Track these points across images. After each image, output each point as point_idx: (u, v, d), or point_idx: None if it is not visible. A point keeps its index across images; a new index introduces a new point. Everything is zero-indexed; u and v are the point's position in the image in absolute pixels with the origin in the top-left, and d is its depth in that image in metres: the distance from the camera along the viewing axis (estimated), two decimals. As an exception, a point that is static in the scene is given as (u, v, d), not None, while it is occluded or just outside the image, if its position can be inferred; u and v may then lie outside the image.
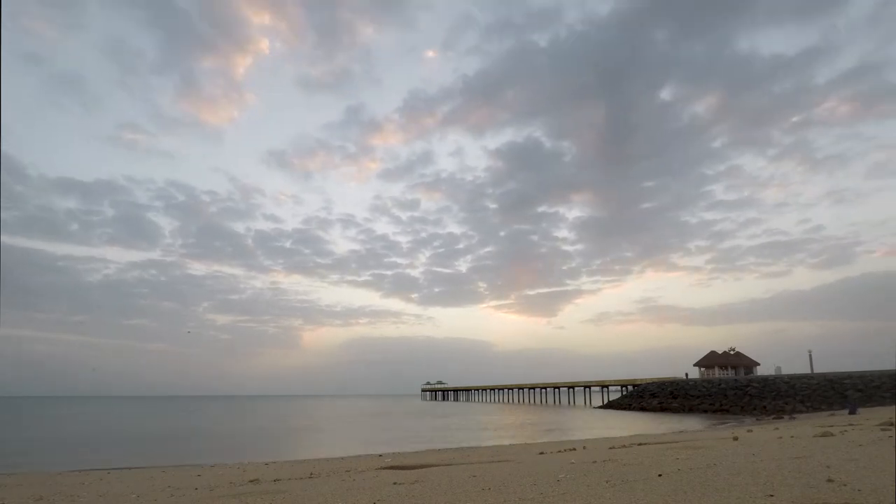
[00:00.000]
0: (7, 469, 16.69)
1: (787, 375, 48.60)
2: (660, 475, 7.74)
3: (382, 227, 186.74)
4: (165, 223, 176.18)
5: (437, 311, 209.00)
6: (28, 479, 13.33)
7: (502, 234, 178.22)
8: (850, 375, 42.60)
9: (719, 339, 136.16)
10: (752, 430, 19.46)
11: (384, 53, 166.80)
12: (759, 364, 60.96)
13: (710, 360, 63.20)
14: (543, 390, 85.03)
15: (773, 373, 54.15)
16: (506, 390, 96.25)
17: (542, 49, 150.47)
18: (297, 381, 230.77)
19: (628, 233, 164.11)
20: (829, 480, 6.49)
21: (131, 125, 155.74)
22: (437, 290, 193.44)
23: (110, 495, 10.00)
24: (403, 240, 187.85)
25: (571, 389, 76.94)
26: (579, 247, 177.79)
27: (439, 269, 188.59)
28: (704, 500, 5.83)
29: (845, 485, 6.20)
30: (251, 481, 10.90)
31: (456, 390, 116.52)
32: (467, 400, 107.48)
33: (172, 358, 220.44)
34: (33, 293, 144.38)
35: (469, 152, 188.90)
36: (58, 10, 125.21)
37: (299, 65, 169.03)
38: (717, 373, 61.10)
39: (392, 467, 12.48)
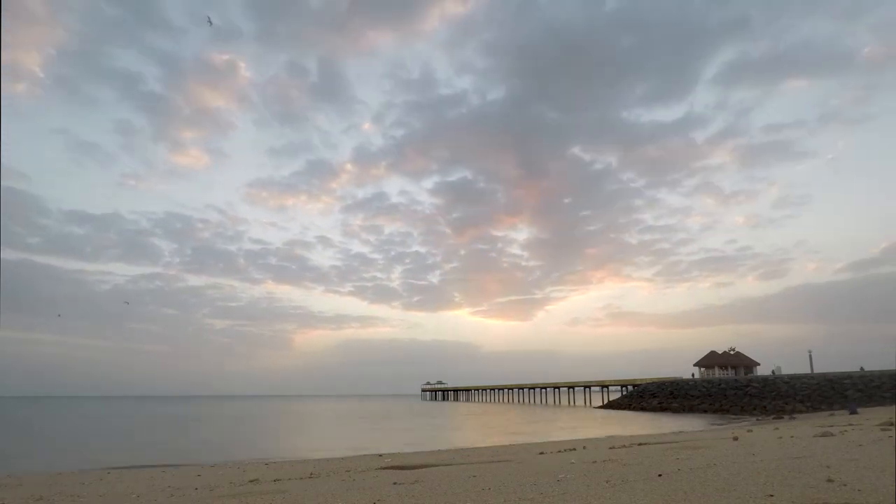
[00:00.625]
0: (7, 469, 16.69)
1: (787, 375, 48.60)
2: (660, 475, 7.74)
3: (357, 246, 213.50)
4: (165, 245, 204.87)
5: (421, 317, 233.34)
6: (28, 479, 13.33)
7: (463, 252, 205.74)
8: (849, 375, 42.61)
9: (690, 340, 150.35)
10: (752, 430, 19.46)
11: (333, 127, 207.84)
12: (759, 364, 60.98)
13: (710, 360, 63.19)
14: (543, 390, 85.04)
15: (773, 373, 54.16)
16: (506, 390, 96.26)
17: (452, 120, 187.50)
18: (299, 382, 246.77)
19: (578, 249, 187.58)
20: (829, 480, 6.49)
21: (134, 175, 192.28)
22: (415, 298, 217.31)
23: (110, 495, 10.00)
24: (378, 257, 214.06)
25: (571, 389, 76.95)
26: (537, 262, 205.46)
27: (414, 282, 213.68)
28: (704, 500, 5.83)
29: (845, 485, 6.20)
30: (251, 481, 10.90)
31: (456, 390, 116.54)
32: (467, 400, 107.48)
33: (174, 360, 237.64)
34: (53, 301, 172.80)
35: (414, 191, 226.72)
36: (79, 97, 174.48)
37: (266, 139, 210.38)
38: (717, 373, 61.10)
39: (392, 467, 12.48)
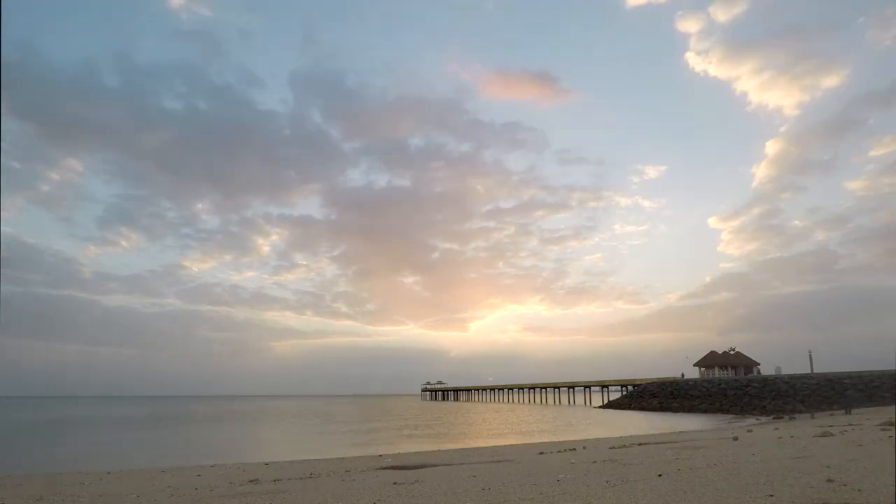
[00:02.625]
0: (7, 469, 16.68)
1: (787, 375, 48.59)
2: (660, 475, 7.74)
3: (302, 286, 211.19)
4: (170, 292, 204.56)
5: (386, 329, 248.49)
6: (28, 479, 13.32)
7: (382, 289, 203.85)
8: (849, 375, 42.62)
9: (620, 348, 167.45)
10: (752, 430, 19.47)
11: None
12: (759, 364, 60.94)
13: (710, 360, 63.16)
14: (543, 390, 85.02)
15: (773, 373, 54.14)
16: (505, 390, 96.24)
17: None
18: (302, 382, 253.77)
19: (467, 287, 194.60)
20: (829, 480, 6.48)
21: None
22: (372, 312, 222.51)
23: (110, 495, 10.00)
24: (324, 293, 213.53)
25: (571, 389, 76.96)
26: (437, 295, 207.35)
27: (360, 307, 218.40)
28: (704, 500, 5.83)
29: (845, 485, 6.20)
30: (251, 481, 10.90)
31: (456, 390, 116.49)
32: (467, 400, 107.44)
33: (178, 362, 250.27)
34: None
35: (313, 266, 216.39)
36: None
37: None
38: (717, 373, 61.08)
39: (392, 467, 12.48)
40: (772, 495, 5.85)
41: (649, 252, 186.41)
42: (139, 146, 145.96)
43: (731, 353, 63.46)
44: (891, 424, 15.00)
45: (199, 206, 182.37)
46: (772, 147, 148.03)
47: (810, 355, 53.68)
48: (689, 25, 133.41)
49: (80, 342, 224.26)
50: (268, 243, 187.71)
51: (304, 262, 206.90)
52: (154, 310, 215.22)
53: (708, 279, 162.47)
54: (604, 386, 68.41)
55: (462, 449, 19.19)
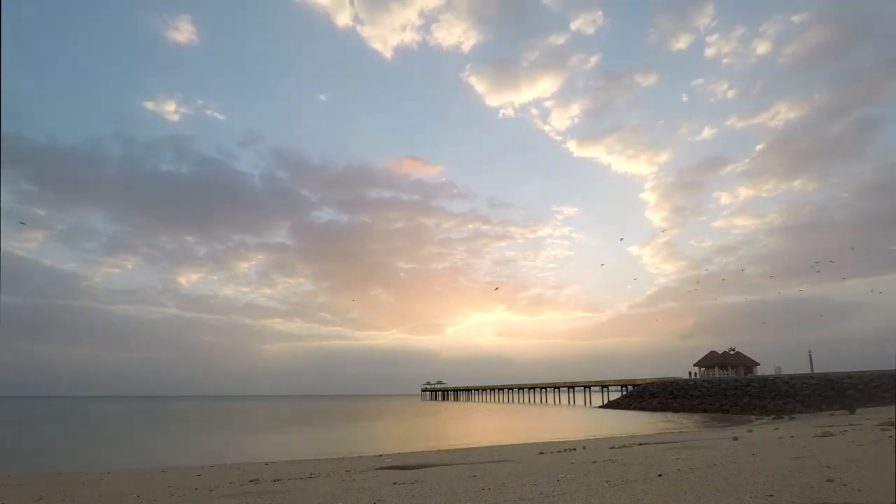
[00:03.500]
0: (7, 469, 16.69)
1: (787, 375, 48.58)
2: (660, 475, 7.74)
3: (287, 297, 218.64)
4: (171, 303, 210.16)
5: (373, 333, 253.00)
6: (28, 479, 13.32)
7: (358, 301, 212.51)
8: (849, 375, 42.61)
9: (594, 350, 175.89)
10: (752, 430, 19.47)
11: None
12: (759, 364, 60.95)
13: (710, 361, 63.16)
14: (543, 390, 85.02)
15: (774, 373, 54.14)
16: (505, 390, 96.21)
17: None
18: (301, 383, 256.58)
19: (435, 299, 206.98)
20: (829, 480, 6.49)
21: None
22: (355, 319, 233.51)
23: (110, 495, 10.00)
24: (307, 303, 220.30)
25: (571, 389, 76.96)
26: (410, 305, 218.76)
27: (343, 315, 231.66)
28: (704, 500, 5.83)
29: (845, 485, 6.20)
30: (251, 481, 10.90)
31: (456, 390, 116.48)
32: (467, 400, 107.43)
33: (178, 364, 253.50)
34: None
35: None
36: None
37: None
38: (717, 373, 61.07)
39: (392, 467, 12.49)
40: (772, 495, 5.85)
41: (591, 271, 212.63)
42: (137, 197, 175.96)
43: (731, 353, 63.45)
44: (891, 424, 15.00)
45: (189, 238, 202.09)
46: (646, 197, 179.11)
47: (810, 355, 53.71)
48: (561, 124, 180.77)
49: (95, 346, 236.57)
50: (248, 265, 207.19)
51: (284, 280, 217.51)
52: (156, 317, 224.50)
53: (650, 292, 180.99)
54: (604, 386, 68.39)
55: (462, 449, 19.19)
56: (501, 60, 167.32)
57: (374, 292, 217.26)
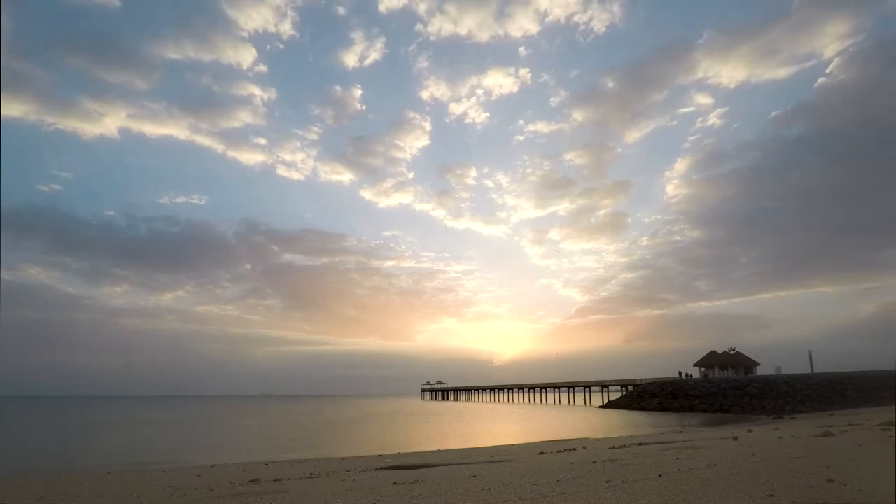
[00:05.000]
0: (7, 469, 16.69)
1: (787, 375, 48.59)
2: (660, 475, 7.74)
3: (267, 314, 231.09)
4: (170, 318, 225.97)
5: (355, 340, 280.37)
6: (28, 479, 13.33)
7: (331, 314, 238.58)
8: (850, 375, 42.63)
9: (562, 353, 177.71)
10: (752, 430, 19.46)
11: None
12: (759, 364, 60.95)
13: (710, 360, 63.15)
14: (543, 390, 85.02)
15: (773, 373, 54.14)
16: (505, 390, 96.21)
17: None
18: (302, 383, 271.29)
19: (398, 312, 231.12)
20: (829, 480, 6.49)
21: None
22: (334, 329, 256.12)
23: (110, 495, 10.01)
24: (286, 317, 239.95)
25: (571, 389, 76.93)
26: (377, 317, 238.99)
27: (322, 326, 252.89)
28: (704, 500, 5.83)
29: (845, 485, 6.20)
30: (251, 481, 10.90)
31: (456, 390, 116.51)
32: (467, 399, 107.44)
33: (180, 366, 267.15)
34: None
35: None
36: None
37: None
38: (717, 373, 61.07)
39: (392, 467, 12.48)
40: (772, 495, 5.85)
41: (522, 293, 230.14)
42: (133, 251, 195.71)
43: (731, 353, 63.45)
44: (891, 424, 14.99)
45: (179, 275, 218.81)
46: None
47: (810, 355, 53.75)
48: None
49: (103, 354, 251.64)
50: (228, 292, 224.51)
51: (261, 302, 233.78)
52: (157, 328, 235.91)
53: (582, 305, 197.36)
54: (604, 386, 68.36)
55: (462, 449, 19.18)
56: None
57: (342, 309, 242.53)
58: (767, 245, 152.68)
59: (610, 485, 7.19)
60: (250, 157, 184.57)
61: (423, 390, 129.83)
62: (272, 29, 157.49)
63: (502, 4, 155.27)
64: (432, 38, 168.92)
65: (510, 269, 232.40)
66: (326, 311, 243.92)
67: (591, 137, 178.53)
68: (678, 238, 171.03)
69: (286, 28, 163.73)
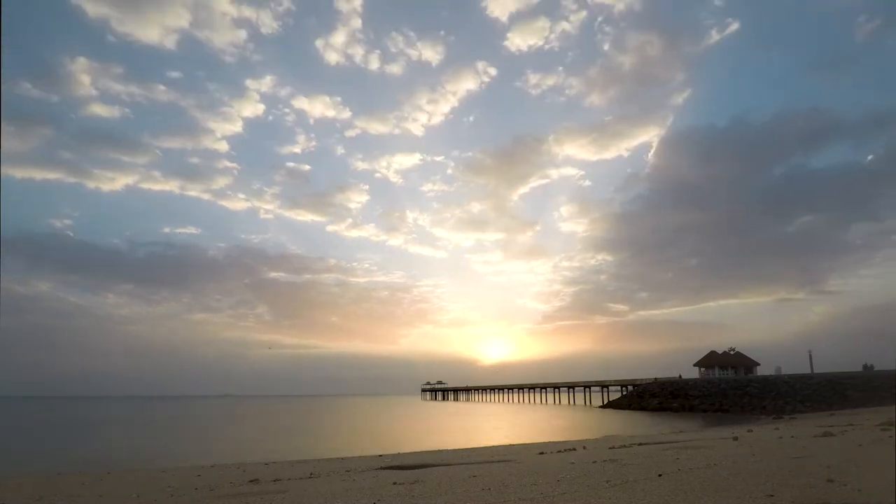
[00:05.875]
0: (7, 469, 16.69)
1: (787, 375, 48.60)
2: (660, 475, 7.74)
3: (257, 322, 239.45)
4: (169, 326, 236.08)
5: (344, 343, 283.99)
6: (28, 479, 13.33)
7: (314, 321, 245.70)
8: (850, 375, 42.65)
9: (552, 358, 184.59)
10: (752, 430, 19.46)
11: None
12: (759, 364, 60.98)
13: (710, 360, 63.18)
14: (543, 390, 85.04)
15: (774, 373, 54.16)
16: (505, 390, 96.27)
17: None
18: (302, 384, 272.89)
19: (378, 319, 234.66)
20: (829, 480, 6.49)
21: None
22: (321, 334, 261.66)
23: (110, 495, 10.01)
24: (274, 326, 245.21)
25: (571, 389, 76.95)
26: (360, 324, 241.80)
27: (309, 330, 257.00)
28: (704, 500, 5.83)
29: (845, 485, 6.20)
30: (251, 481, 10.90)
31: (456, 390, 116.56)
32: (467, 399, 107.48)
33: (179, 367, 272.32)
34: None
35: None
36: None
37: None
38: (717, 373, 61.09)
39: (392, 467, 12.48)
40: (772, 495, 5.85)
41: (488, 302, 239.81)
42: (135, 270, 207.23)
43: (731, 353, 63.48)
44: (891, 424, 14.99)
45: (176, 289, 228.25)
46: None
47: (810, 355, 53.78)
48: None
49: (107, 357, 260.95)
50: (220, 303, 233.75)
51: (251, 312, 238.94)
52: (156, 333, 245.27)
53: (548, 312, 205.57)
54: (604, 386, 68.36)
55: (462, 449, 19.18)
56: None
57: (323, 317, 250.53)
58: (682, 263, 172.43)
59: (610, 485, 7.19)
60: (234, 205, 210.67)
61: (423, 390, 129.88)
62: (239, 131, 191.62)
63: (398, 120, 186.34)
64: (354, 136, 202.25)
65: (471, 285, 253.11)
66: (312, 319, 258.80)
67: (487, 192, 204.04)
68: (593, 262, 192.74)
69: (249, 130, 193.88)
